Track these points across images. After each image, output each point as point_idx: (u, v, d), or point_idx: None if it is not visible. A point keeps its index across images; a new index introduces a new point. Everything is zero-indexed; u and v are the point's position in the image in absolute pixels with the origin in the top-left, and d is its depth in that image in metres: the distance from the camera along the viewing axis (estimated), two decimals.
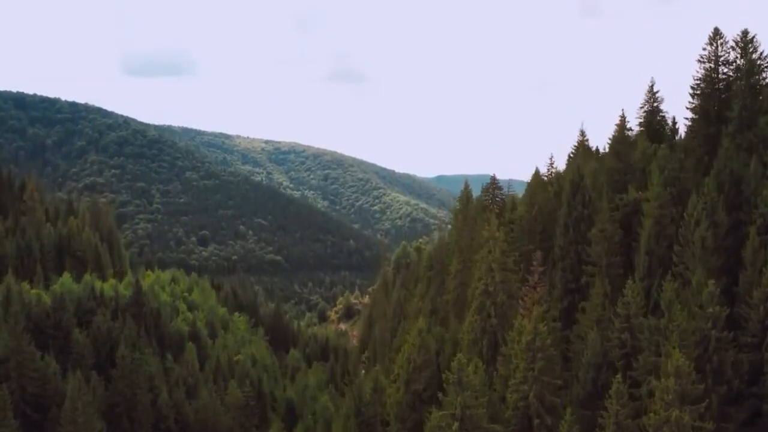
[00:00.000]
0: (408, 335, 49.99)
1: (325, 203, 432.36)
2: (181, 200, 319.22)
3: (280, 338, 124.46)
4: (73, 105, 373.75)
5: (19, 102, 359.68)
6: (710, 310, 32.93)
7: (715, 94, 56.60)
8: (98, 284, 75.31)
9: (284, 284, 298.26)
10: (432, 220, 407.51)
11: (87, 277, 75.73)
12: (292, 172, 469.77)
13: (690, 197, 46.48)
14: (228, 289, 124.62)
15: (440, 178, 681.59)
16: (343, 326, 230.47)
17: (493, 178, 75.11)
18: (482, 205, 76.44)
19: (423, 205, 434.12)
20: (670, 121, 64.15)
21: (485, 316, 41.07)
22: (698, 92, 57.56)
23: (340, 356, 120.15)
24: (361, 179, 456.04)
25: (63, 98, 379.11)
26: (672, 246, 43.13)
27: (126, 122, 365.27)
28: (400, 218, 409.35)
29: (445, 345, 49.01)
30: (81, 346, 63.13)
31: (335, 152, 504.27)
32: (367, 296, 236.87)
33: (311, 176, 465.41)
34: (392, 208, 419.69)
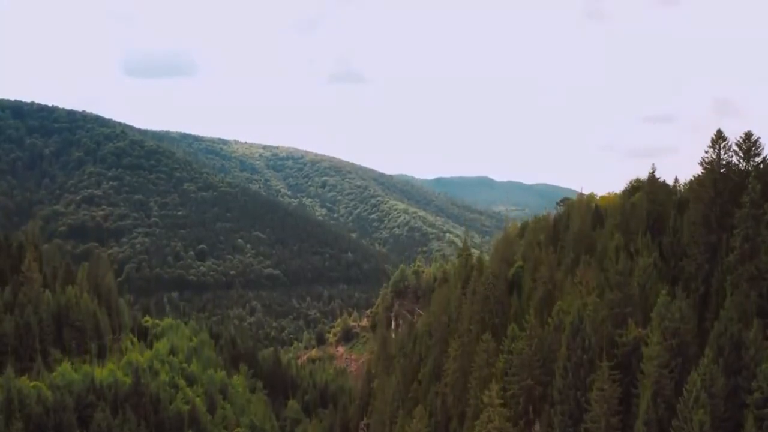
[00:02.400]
0: None
1: (323, 211, 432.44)
2: (179, 213, 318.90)
3: (279, 386, 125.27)
4: (71, 113, 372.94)
5: (17, 111, 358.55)
6: None
7: (717, 200, 56.80)
8: (98, 373, 75.48)
9: (282, 299, 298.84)
10: (430, 229, 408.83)
11: (86, 367, 75.87)
12: (290, 179, 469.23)
13: (690, 348, 46.99)
14: (227, 336, 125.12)
15: (439, 180, 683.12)
16: (341, 349, 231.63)
17: (493, 273, 75.11)
18: (483, 294, 76.61)
19: (421, 213, 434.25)
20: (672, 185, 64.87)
21: None
22: (700, 197, 57.85)
23: (339, 407, 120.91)
24: (359, 186, 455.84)
25: (61, 106, 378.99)
26: (670, 407, 43.44)
27: (123, 132, 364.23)
28: (399, 227, 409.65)
29: None
30: None
31: (333, 158, 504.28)
32: (366, 319, 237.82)
33: (309, 183, 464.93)
34: (390, 216, 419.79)
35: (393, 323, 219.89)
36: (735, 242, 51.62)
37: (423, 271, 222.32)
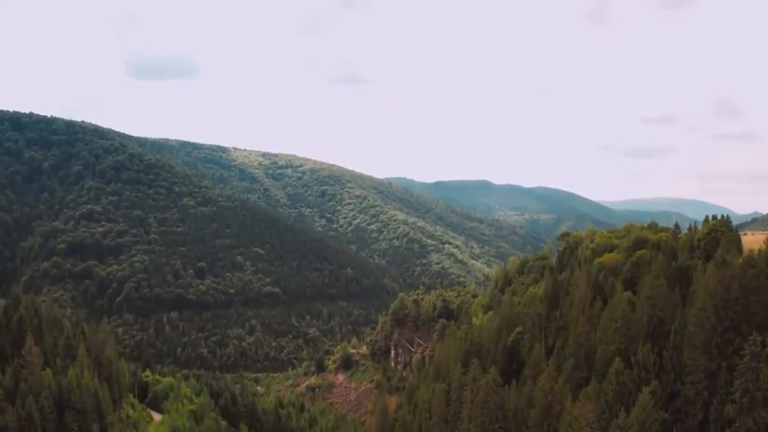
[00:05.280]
0: None
1: (323, 221, 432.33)
2: (179, 229, 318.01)
3: None
4: (70, 125, 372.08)
5: (16, 123, 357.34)
6: None
7: (718, 327, 57.14)
8: None
9: (282, 317, 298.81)
10: (429, 240, 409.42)
11: None
12: (289, 188, 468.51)
13: None
14: (227, 395, 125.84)
15: (438, 184, 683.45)
16: (340, 377, 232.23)
17: (494, 380, 74.99)
18: (483, 398, 76.91)
19: (420, 223, 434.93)
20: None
21: None
22: (701, 324, 58.23)
23: None
24: (358, 196, 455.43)
25: (60, 112, 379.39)
26: None
27: (123, 145, 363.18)
28: (398, 238, 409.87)
29: None
30: None
31: (333, 165, 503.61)
32: (365, 346, 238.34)
33: (308, 192, 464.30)
34: (389, 227, 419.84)
35: (392, 352, 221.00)
36: (735, 393, 52.10)
37: (422, 300, 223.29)
